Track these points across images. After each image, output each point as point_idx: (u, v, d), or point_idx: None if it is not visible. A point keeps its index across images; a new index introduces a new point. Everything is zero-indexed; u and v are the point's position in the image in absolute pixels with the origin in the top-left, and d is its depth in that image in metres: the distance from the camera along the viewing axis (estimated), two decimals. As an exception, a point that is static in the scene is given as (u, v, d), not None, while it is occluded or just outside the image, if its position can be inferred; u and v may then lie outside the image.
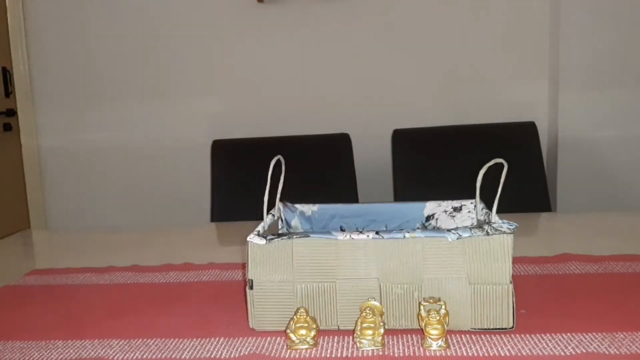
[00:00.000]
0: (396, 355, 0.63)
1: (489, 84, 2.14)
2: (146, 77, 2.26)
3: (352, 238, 0.67)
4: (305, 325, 0.65)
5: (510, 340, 0.65)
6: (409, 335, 0.67)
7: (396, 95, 2.18)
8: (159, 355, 0.66)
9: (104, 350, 0.68)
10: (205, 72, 2.23)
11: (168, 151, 2.28)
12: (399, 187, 1.67)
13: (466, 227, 0.67)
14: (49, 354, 0.68)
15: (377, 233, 0.67)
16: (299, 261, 0.68)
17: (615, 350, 0.62)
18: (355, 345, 0.65)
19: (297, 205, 0.89)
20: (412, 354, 0.63)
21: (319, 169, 1.76)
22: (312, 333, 0.65)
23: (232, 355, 0.65)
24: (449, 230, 0.67)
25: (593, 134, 2.05)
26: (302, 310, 0.65)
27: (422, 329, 0.64)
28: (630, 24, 1.98)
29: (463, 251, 0.66)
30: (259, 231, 0.72)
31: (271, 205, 0.79)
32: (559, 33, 2.02)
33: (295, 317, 0.65)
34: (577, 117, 2.05)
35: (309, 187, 1.73)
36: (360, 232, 0.68)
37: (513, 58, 2.12)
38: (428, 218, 0.83)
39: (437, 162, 1.84)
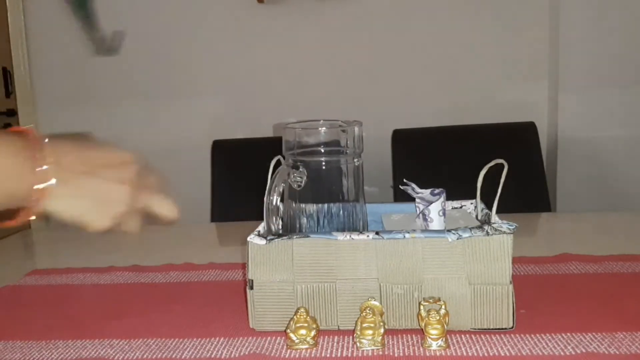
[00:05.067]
0: (396, 355, 0.63)
1: (488, 84, 2.14)
2: (146, 78, 2.26)
3: (352, 238, 0.67)
4: (305, 325, 0.65)
5: (510, 340, 0.65)
6: (409, 335, 0.67)
7: (396, 95, 2.17)
8: (159, 355, 0.66)
9: (104, 350, 0.68)
10: (206, 72, 2.23)
11: (168, 151, 2.28)
12: (399, 187, 1.67)
13: (466, 227, 0.67)
14: (49, 354, 0.68)
15: (377, 233, 0.67)
16: (299, 261, 0.68)
17: (615, 350, 0.62)
18: (355, 345, 0.65)
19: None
20: (412, 354, 0.63)
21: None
22: (312, 333, 0.65)
23: (232, 355, 0.65)
24: (449, 231, 0.67)
25: (593, 134, 2.05)
26: (302, 310, 0.65)
27: (422, 329, 0.65)
28: (630, 25, 1.98)
29: (463, 251, 0.66)
30: (259, 231, 0.72)
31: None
32: (559, 33, 2.02)
33: (295, 317, 0.65)
34: (577, 117, 2.05)
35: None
36: (360, 232, 0.68)
37: (513, 58, 2.12)
38: (428, 218, 0.83)
39: (437, 162, 1.84)
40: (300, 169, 0.73)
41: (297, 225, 0.75)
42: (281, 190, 0.71)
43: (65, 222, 0.60)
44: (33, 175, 0.55)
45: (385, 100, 2.17)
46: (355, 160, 0.76)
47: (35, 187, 0.55)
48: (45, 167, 0.55)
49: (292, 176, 0.72)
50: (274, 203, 0.70)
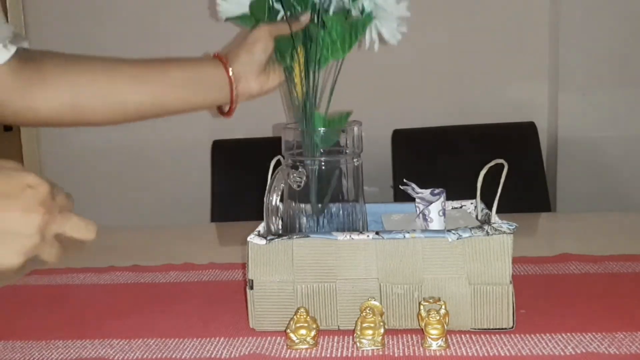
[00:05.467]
0: (396, 355, 0.63)
1: (488, 84, 2.14)
2: (146, 77, 2.26)
3: (352, 238, 0.67)
4: (306, 325, 0.65)
5: (510, 340, 0.65)
6: (409, 335, 0.67)
7: (396, 95, 2.17)
8: (160, 355, 0.66)
9: (104, 350, 0.68)
10: (206, 72, 2.23)
11: (168, 151, 2.28)
12: (399, 187, 1.67)
13: (466, 227, 0.67)
14: (49, 354, 0.68)
15: (377, 233, 0.67)
16: (299, 261, 0.68)
17: (615, 350, 0.62)
18: (355, 345, 0.65)
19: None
20: (412, 354, 0.63)
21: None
22: (312, 333, 0.65)
23: (232, 355, 0.65)
24: (449, 231, 0.67)
25: (593, 134, 2.05)
26: (302, 310, 0.65)
27: (422, 329, 0.65)
28: (630, 25, 1.98)
29: (463, 251, 0.66)
30: (259, 231, 0.72)
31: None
32: (559, 33, 2.02)
33: (295, 317, 0.65)
34: (577, 117, 2.05)
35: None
36: (360, 232, 0.68)
37: (513, 58, 2.12)
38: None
39: (437, 162, 1.84)
40: (300, 169, 0.73)
41: (297, 225, 0.75)
42: (281, 190, 0.71)
43: None
44: None
45: (385, 100, 2.17)
46: (355, 160, 0.76)
47: None
48: None
49: (291, 176, 0.72)
50: (274, 203, 0.70)
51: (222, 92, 0.84)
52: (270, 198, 0.70)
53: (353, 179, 0.76)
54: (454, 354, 0.63)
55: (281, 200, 0.82)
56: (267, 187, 0.71)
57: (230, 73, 0.82)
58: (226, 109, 0.85)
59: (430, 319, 0.63)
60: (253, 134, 2.13)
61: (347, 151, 0.75)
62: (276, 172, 0.72)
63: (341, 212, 0.75)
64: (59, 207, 0.56)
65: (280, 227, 0.73)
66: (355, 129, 0.76)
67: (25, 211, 0.52)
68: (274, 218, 0.71)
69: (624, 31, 1.99)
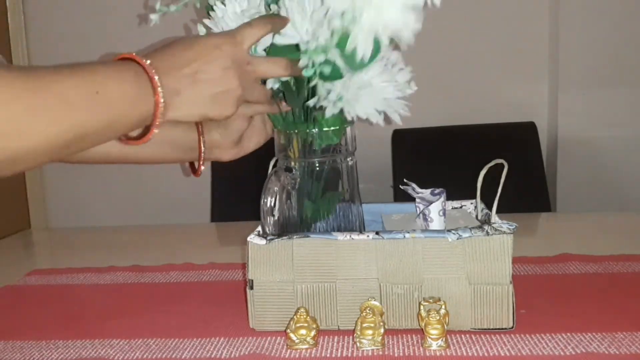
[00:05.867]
0: (396, 355, 0.63)
1: (488, 84, 2.14)
2: (146, 77, 2.26)
3: (352, 238, 0.67)
4: (306, 325, 0.65)
5: (510, 340, 0.65)
6: (409, 335, 0.67)
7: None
8: (160, 355, 0.66)
9: (104, 350, 0.68)
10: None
11: (168, 151, 2.28)
12: (399, 187, 1.67)
13: (466, 227, 0.67)
14: (49, 354, 0.68)
15: (377, 233, 0.67)
16: (299, 261, 0.68)
17: (615, 350, 0.62)
18: (355, 345, 0.65)
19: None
20: (412, 354, 0.63)
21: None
22: (312, 333, 0.65)
23: (232, 355, 0.65)
24: (449, 231, 0.67)
25: (593, 134, 2.05)
26: (302, 310, 0.65)
27: (422, 329, 0.65)
28: (630, 24, 1.98)
29: (463, 251, 0.66)
30: (259, 231, 0.72)
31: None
32: (559, 33, 2.02)
33: (295, 317, 0.65)
34: (577, 117, 2.05)
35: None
36: (360, 232, 0.68)
37: (513, 58, 2.12)
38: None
39: (437, 162, 1.84)
40: (293, 171, 0.73)
41: (293, 226, 0.75)
42: (275, 191, 0.71)
43: (192, 121, 0.66)
44: (154, 93, 0.58)
45: (385, 100, 2.17)
46: (349, 159, 0.76)
47: (158, 104, 0.58)
48: (157, 81, 0.58)
49: (284, 178, 0.72)
50: (268, 205, 0.70)
51: (191, 153, 0.82)
52: (264, 200, 0.70)
53: (347, 178, 0.76)
54: (454, 354, 0.63)
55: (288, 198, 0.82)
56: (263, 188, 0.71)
57: (202, 144, 0.79)
58: (196, 165, 0.82)
59: (430, 319, 0.63)
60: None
61: (341, 150, 0.75)
62: (269, 173, 0.72)
63: (337, 211, 0.75)
64: (246, 55, 0.63)
65: (276, 227, 0.73)
66: (348, 128, 0.75)
67: (224, 69, 0.61)
68: (268, 219, 0.71)
69: (624, 31, 1.99)
